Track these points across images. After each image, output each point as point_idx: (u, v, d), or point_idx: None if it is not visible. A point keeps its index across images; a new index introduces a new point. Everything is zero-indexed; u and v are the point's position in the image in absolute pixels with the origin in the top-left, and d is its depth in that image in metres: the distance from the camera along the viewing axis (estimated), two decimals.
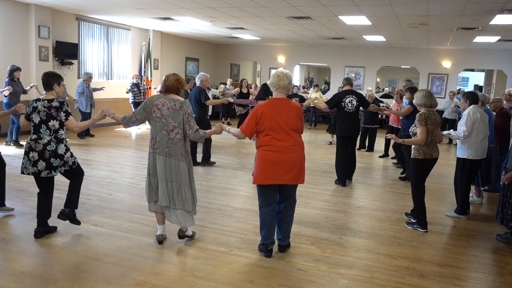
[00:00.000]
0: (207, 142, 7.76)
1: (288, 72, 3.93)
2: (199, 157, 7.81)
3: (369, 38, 13.19)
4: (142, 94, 12.28)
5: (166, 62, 15.20)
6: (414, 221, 4.99)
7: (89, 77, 10.34)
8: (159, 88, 12.96)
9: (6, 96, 8.19)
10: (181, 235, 4.13)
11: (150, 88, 13.61)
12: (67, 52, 11.05)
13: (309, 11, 9.14)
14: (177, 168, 3.91)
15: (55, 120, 3.98)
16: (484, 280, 3.72)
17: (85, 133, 10.32)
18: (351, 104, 6.76)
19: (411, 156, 4.91)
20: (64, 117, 4.03)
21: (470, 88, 19.82)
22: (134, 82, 12.02)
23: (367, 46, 15.56)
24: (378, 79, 18.59)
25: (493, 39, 11.81)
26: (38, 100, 4.04)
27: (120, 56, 13.25)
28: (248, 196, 5.96)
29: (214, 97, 9.56)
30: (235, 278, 3.49)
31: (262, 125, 3.75)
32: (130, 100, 12.05)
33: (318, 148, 10.34)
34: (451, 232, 4.90)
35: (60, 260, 3.70)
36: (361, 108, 7.16)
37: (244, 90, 10.58)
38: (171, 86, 3.98)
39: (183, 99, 4.01)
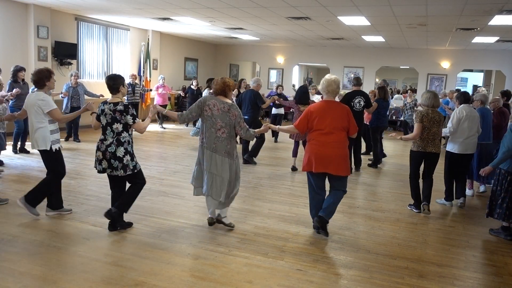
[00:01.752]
0: (260, 142, 8.05)
1: (336, 77, 4.46)
2: None
3: (368, 38, 13.21)
4: (136, 95, 11.82)
5: (165, 63, 15.20)
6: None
7: (71, 75, 9.50)
8: (154, 88, 12.94)
9: (12, 100, 7.35)
10: (219, 219, 4.55)
11: (150, 90, 13.37)
12: (66, 52, 11.03)
13: (308, 11, 9.15)
14: (221, 163, 4.30)
15: (118, 123, 4.18)
16: (483, 280, 3.73)
17: (74, 137, 9.79)
18: (359, 104, 7.35)
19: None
20: (132, 121, 4.22)
21: (469, 88, 19.86)
22: (130, 82, 11.71)
23: (366, 46, 15.57)
24: (377, 79, 18.59)
25: (492, 39, 11.83)
26: (105, 103, 4.24)
27: (119, 56, 13.24)
28: (247, 196, 5.97)
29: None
30: (234, 279, 3.49)
31: (312, 122, 4.35)
32: (125, 101, 11.69)
33: None
34: (450, 232, 4.90)
35: (59, 260, 3.70)
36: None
37: (242, 91, 10.45)
38: (218, 89, 4.38)
39: (231, 102, 4.38)
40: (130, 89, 11.71)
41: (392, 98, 15.50)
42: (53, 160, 4.63)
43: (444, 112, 11.07)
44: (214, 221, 4.60)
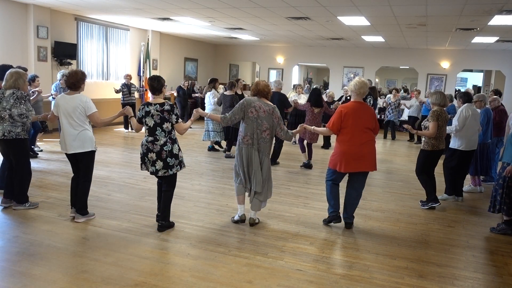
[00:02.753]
0: (281, 144, 8.23)
1: (366, 81, 4.72)
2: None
3: (368, 38, 13.20)
4: (132, 95, 11.66)
5: (165, 63, 15.19)
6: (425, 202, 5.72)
7: (62, 75, 8.74)
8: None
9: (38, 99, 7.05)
10: (252, 223, 4.67)
11: (146, 90, 13.34)
12: (65, 52, 11.02)
13: (308, 11, 9.15)
14: (263, 162, 4.53)
15: (168, 123, 4.22)
16: (483, 281, 3.72)
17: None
18: (370, 103, 8.03)
19: (421, 148, 5.70)
20: (175, 120, 4.25)
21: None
22: (125, 82, 11.56)
23: (366, 46, 15.57)
24: (377, 80, 18.60)
25: (492, 39, 11.83)
26: (149, 104, 4.22)
27: (118, 56, 13.23)
28: (247, 196, 5.95)
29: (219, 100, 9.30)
30: (234, 279, 3.48)
31: (345, 122, 4.52)
32: (121, 101, 11.52)
33: (315, 148, 10.34)
34: (450, 232, 4.90)
35: (58, 260, 3.69)
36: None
37: (239, 92, 10.30)
38: (262, 90, 4.54)
39: (273, 104, 4.57)
40: (125, 89, 11.62)
41: (385, 97, 15.58)
42: (92, 161, 4.68)
43: (427, 111, 11.29)
44: (244, 218, 4.78)
